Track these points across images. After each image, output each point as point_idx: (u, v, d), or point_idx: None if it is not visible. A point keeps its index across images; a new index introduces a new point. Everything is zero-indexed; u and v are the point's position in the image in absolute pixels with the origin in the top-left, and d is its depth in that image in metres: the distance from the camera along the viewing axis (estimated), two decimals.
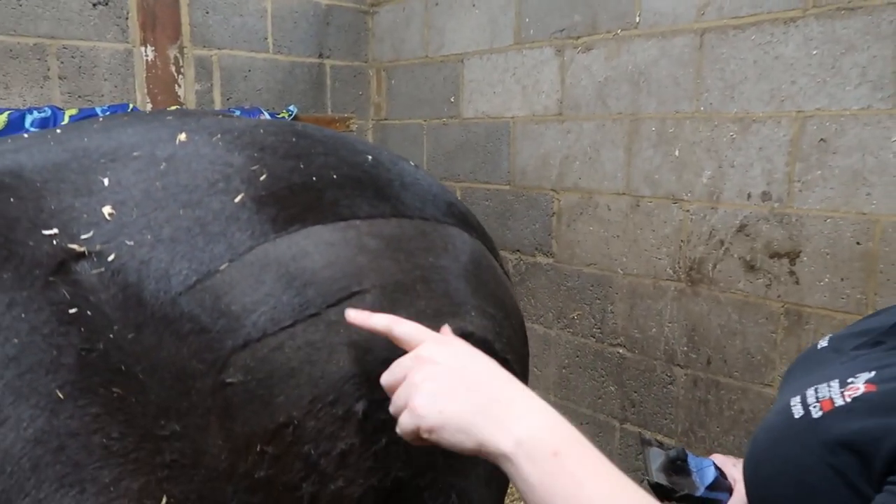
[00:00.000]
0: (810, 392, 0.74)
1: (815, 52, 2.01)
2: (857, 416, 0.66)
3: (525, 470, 0.63)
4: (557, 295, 2.88)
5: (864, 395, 0.68)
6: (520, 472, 0.63)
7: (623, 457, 2.69)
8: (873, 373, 0.71)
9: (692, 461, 1.09)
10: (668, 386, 2.49)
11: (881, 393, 0.67)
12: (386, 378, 0.76)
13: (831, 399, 0.70)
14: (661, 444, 1.13)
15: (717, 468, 1.07)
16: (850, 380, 0.72)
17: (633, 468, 2.65)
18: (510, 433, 0.65)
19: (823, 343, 0.91)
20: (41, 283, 0.69)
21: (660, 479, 1.06)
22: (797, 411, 0.73)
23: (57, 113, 2.56)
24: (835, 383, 0.73)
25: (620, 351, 2.65)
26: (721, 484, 1.06)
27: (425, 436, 0.70)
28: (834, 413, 0.68)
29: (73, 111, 2.61)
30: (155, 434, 0.70)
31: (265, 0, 3.15)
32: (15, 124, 2.46)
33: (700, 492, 1.04)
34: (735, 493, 1.05)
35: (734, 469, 1.08)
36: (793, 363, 0.96)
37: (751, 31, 2.14)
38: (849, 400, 0.69)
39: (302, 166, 0.93)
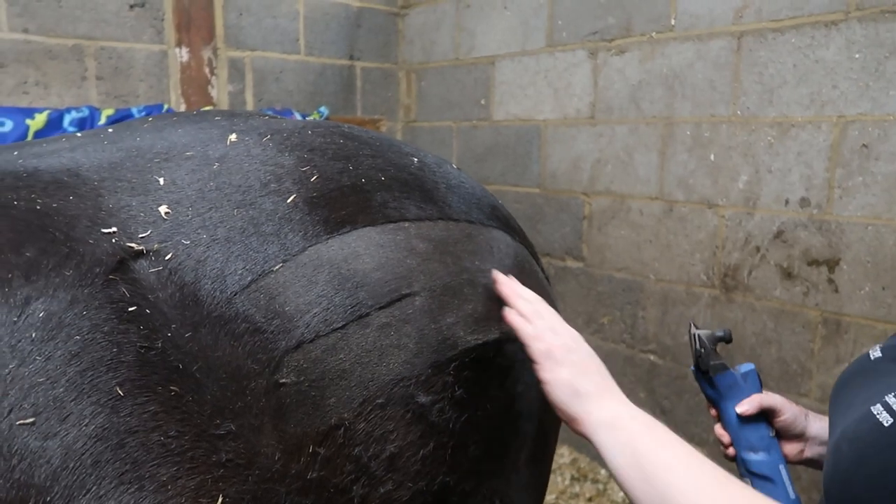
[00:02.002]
0: (892, 400, 0.72)
1: (857, 56, 1.97)
2: None
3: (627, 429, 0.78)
4: (587, 300, 2.86)
5: None
6: (621, 429, 0.79)
7: None
8: None
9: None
10: (700, 394, 2.45)
11: None
12: (531, 313, 0.91)
13: None
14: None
15: (758, 375, 1.11)
16: None
17: None
18: (613, 400, 0.82)
19: (877, 353, 0.88)
20: (102, 281, 0.70)
21: (702, 333, 1.11)
22: (885, 419, 0.71)
23: (94, 113, 2.60)
24: None
25: (651, 358, 2.62)
26: (754, 380, 1.09)
27: (546, 371, 0.85)
28: None
29: (110, 111, 2.65)
30: (210, 433, 0.70)
31: (297, 2, 3.17)
32: (54, 123, 2.50)
33: (738, 372, 1.09)
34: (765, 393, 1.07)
35: (789, 405, 1.08)
36: (844, 375, 0.93)
37: (790, 33, 2.11)
38: None
39: (351, 168, 0.93)
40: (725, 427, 1.10)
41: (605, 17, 2.64)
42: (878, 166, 1.95)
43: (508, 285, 0.94)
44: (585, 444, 2.93)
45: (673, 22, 2.42)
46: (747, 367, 1.11)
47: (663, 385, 2.58)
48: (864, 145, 1.97)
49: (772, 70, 2.17)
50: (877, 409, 0.74)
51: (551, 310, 0.93)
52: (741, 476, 1.07)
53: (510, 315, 0.91)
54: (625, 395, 0.85)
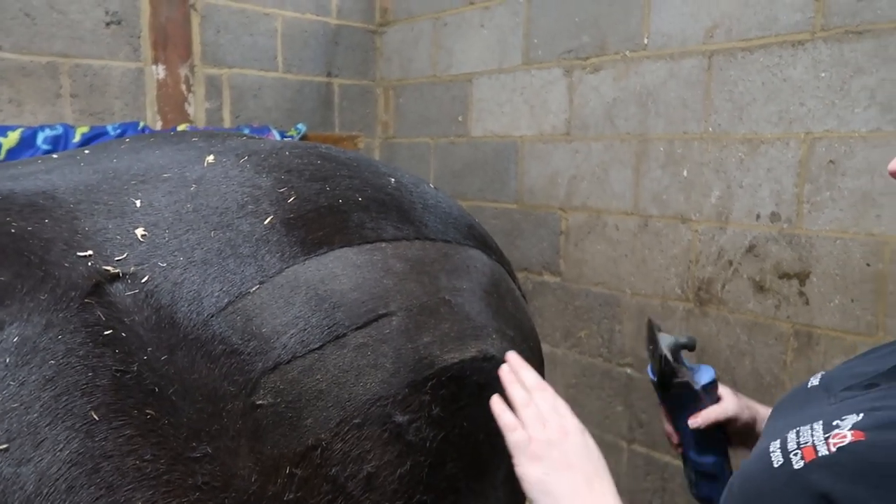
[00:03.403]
0: (791, 436, 0.68)
1: (823, 75, 2.03)
2: (842, 473, 0.61)
3: None
4: (565, 314, 2.88)
5: (850, 444, 0.62)
6: None
7: (630, 478, 2.67)
8: (861, 415, 0.65)
9: (688, 363, 1.14)
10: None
11: (869, 445, 0.61)
12: (522, 401, 0.88)
13: (814, 446, 0.64)
14: (661, 329, 1.18)
15: (715, 375, 1.13)
16: (835, 422, 0.66)
17: (641, 489, 2.63)
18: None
19: (815, 381, 0.85)
20: (77, 305, 0.70)
21: (668, 353, 1.11)
22: (776, 458, 0.67)
23: (68, 130, 2.58)
24: (818, 426, 0.67)
25: (628, 371, 2.64)
26: (713, 390, 1.11)
27: (518, 465, 0.83)
28: (817, 464, 0.63)
29: (85, 129, 2.62)
30: (187, 456, 0.71)
31: (275, 20, 3.18)
32: (27, 142, 2.47)
33: (697, 387, 1.09)
34: (719, 404, 1.09)
35: (721, 388, 1.12)
36: (781, 399, 0.91)
37: (759, 53, 2.17)
38: (833, 450, 0.63)
39: (328, 189, 0.94)
40: (678, 431, 1.12)
41: (579, 36, 2.69)
42: (845, 181, 2.00)
43: (509, 372, 0.92)
44: None
45: (646, 41, 2.47)
46: (707, 377, 1.11)
47: (641, 398, 2.60)
48: (830, 161, 2.03)
49: (741, 88, 2.22)
50: (773, 447, 0.69)
51: (550, 398, 0.89)
52: (686, 471, 1.12)
53: (495, 402, 0.88)
54: (610, 490, 0.81)
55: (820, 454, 0.63)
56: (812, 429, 0.67)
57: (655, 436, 2.56)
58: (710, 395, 1.09)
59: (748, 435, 1.09)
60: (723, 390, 1.13)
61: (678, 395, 1.10)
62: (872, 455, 0.60)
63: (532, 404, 0.87)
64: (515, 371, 0.92)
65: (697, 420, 1.06)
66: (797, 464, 0.64)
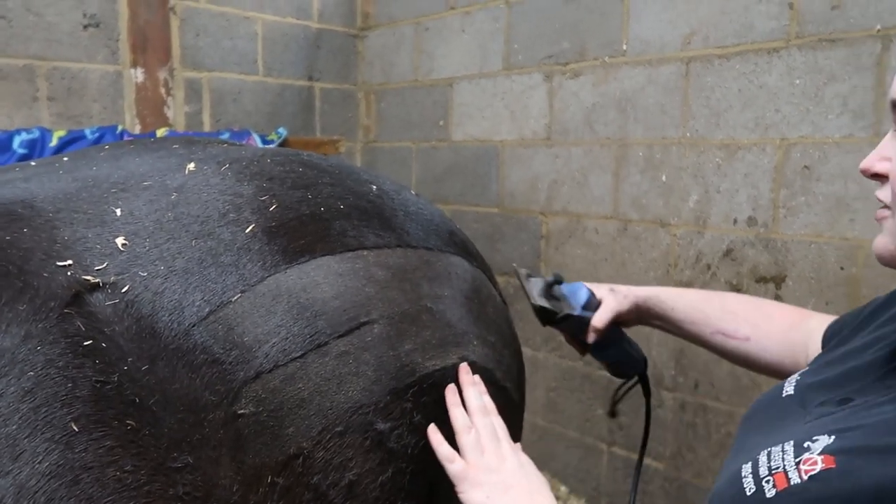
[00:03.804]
0: (763, 459, 0.68)
1: (798, 82, 2.07)
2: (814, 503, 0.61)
3: None
4: None
5: (821, 472, 0.62)
6: None
7: (610, 480, 2.69)
8: (833, 438, 0.65)
9: (564, 287, 1.24)
10: (656, 409, 2.50)
11: (839, 473, 0.61)
12: (462, 427, 0.91)
13: (785, 473, 0.64)
14: (531, 275, 1.28)
15: (588, 289, 1.22)
16: (806, 444, 0.66)
17: (621, 491, 2.66)
18: None
19: (789, 390, 0.84)
20: (56, 315, 0.69)
21: (542, 302, 1.20)
22: (748, 485, 0.67)
23: (45, 134, 2.55)
24: (789, 447, 0.67)
25: (608, 374, 2.66)
26: (591, 303, 1.20)
27: (461, 493, 0.87)
28: (789, 493, 0.63)
29: (62, 132, 2.59)
30: (167, 466, 0.70)
31: (256, 23, 3.17)
32: (3, 145, 2.44)
33: (577, 311, 1.19)
34: (600, 310, 1.19)
35: (600, 289, 1.22)
36: (754, 404, 0.91)
37: (735, 60, 2.20)
38: (805, 478, 0.62)
39: (310, 196, 0.94)
40: (578, 341, 1.24)
41: (559, 42, 2.71)
42: (819, 187, 2.04)
43: (453, 393, 0.93)
44: (546, 462, 2.96)
45: (625, 47, 2.50)
46: (583, 296, 1.20)
47: (621, 401, 2.62)
48: (805, 167, 2.06)
49: (718, 94, 2.25)
50: (745, 471, 0.68)
51: (490, 423, 0.93)
52: (599, 362, 1.29)
53: (431, 433, 0.91)
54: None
55: (792, 483, 0.63)
56: (783, 450, 0.67)
57: (635, 438, 2.58)
58: (591, 308, 1.19)
59: (640, 316, 1.22)
60: (601, 291, 1.21)
61: (566, 326, 1.21)
62: (842, 484, 0.60)
63: (472, 431, 0.91)
64: (463, 386, 0.94)
65: (590, 336, 1.19)
66: (769, 492, 0.64)
